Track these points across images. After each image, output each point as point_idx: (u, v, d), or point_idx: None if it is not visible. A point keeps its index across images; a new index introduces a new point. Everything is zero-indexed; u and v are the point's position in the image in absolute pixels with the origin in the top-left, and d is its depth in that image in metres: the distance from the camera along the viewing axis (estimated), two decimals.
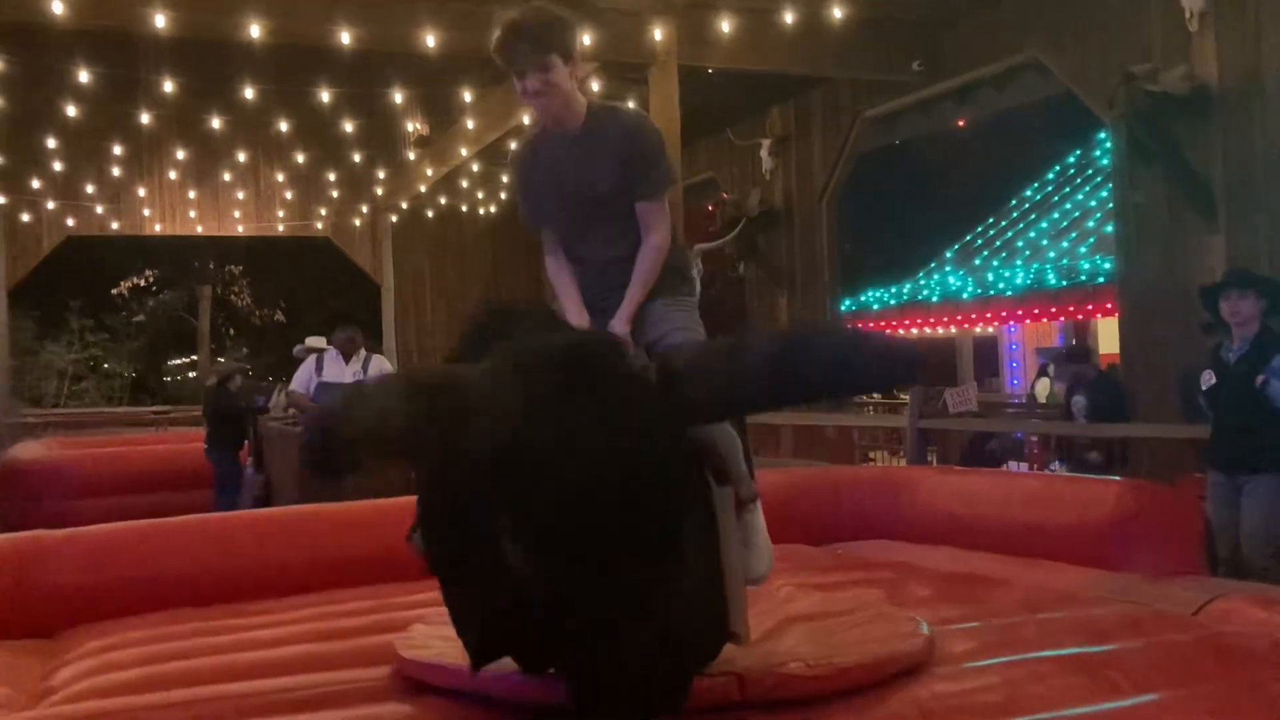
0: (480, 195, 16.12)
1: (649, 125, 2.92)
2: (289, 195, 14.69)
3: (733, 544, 2.56)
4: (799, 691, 2.56)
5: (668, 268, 2.84)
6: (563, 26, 2.79)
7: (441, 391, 1.96)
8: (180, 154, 13.27)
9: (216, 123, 11.71)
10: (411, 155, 13.39)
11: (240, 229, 15.05)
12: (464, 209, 16.45)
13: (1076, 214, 17.30)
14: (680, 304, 2.83)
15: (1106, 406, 7.43)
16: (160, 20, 7.29)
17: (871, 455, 11.03)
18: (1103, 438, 7.29)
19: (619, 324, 2.77)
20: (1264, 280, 5.27)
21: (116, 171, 13.50)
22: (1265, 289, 5.10)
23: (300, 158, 13.59)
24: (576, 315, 2.84)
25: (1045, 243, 17.23)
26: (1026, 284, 16.26)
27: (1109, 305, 13.11)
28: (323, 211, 15.01)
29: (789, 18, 8.38)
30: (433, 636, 3.09)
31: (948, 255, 19.71)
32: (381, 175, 14.39)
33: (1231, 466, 5.04)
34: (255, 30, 7.53)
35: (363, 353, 7.20)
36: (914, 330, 19.37)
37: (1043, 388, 16.09)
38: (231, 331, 27.84)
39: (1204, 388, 5.23)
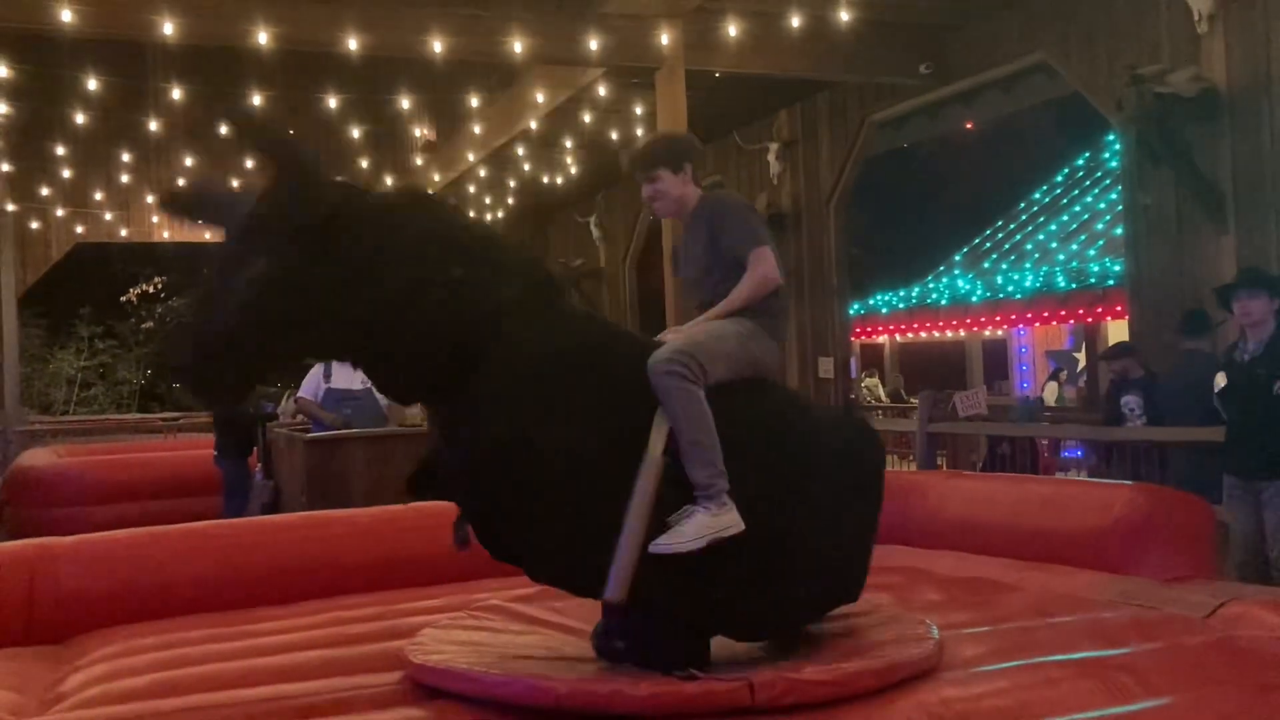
0: (488, 201, 16.13)
1: (728, 195, 3.58)
2: None
3: (639, 502, 2.76)
4: (809, 696, 2.55)
5: (760, 305, 3.19)
6: (670, 146, 3.49)
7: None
8: (188, 161, 13.30)
9: (224, 130, 11.73)
10: (419, 161, 13.41)
11: None
12: (471, 215, 16.46)
13: (1085, 216, 17.27)
14: (735, 320, 3.14)
15: (1161, 408, 6.59)
16: (168, 28, 7.30)
17: None
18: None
19: (690, 325, 3.20)
20: (1276, 280, 5.19)
21: (125, 178, 13.53)
22: (1278, 289, 5.04)
23: None
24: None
25: (1054, 245, 17.19)
26: (1036, 287, 16.23)
27: (1119, 308, 13.08)
28: None
29: (795, 21, 8.37)
30: (443, 641, 3.09)
31: (956, 258, 19.69)
32: (389, 181, 14.40)
33: (1248, 472, 4.97)
34: (263, 37, 7.54)
35: None
36: (923, 333, 19.36)
37: (1051, 391, 16.07)
38: None
39: (1215, 390, 5.16)
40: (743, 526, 2.79)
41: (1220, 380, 5.10)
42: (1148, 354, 7.69)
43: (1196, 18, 7.25)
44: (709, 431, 2.84)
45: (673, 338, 3.09)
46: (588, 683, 2.65)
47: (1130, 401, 6.75)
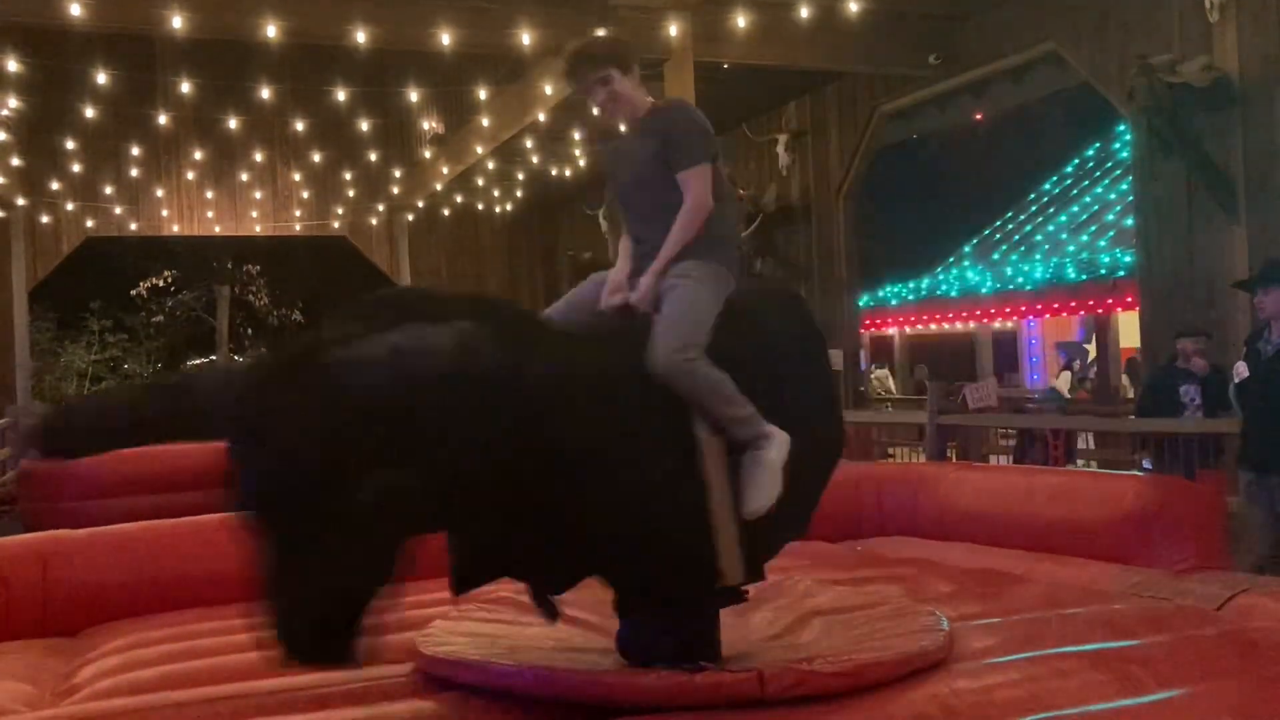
0: (496, 193, 16.13)
1: (681, 104, 3.34)
2: (306, 195, 14.73)
3: (719, 489, 2.73)
4: (820, 688, 2.55)
5: (705, 233, 3.02)
6: (613, 44, 3.30)
7: (178, 392, 2.38)
8: (198, 154, 13.32)
9: (233, 123, 11.76)
10: (427, 154, 13.41)
11: (258, 229, 15.10)
12: (480, 207, 16.48)
13: (1096, 207, 17.20)
14: (694, 271, 2.97)
15: (1218, 399, 6.04)
16: (177, 21, 7.31)
17: (891, 452, 10.99)
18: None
19: (645, 278, 2.99)
20: None
21: (135, 172, 13.56)
22: None
23: (316, 157, 13.63)
24: (612, 278, 3.10)
25: (1064, 236, 17.14)
26: (1046, 278, 16.18)
27: (1129, 299, 13.03)
28: (339, 211, 15.05)
29: (804, 12, 8.34)
30: (453, 633, 3.10)
31: (966, 250, 19.63)
32: (397, 174, 14.42)
33: (1265, 465, 4.91)
34: (271, 31, 7.55)
35: None
36: (932, 325, 19.31)
37: (1065, 381, 16.02)
38: (250, 331, 27.94)
39: (1235, 380, 5.10)
40: (788, 437, 2.81)
41: (1242, 370, 5.04)
42: (1158, 344, 7.66)
43: (1208, 7, 7.21)
44: (732, 391, 2.79)
45: (648, 283, 2.95)
46: (598, 674, 2.65)
47: (1191, 390, 6.29)
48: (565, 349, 2.73)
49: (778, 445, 2.80)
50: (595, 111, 3.31)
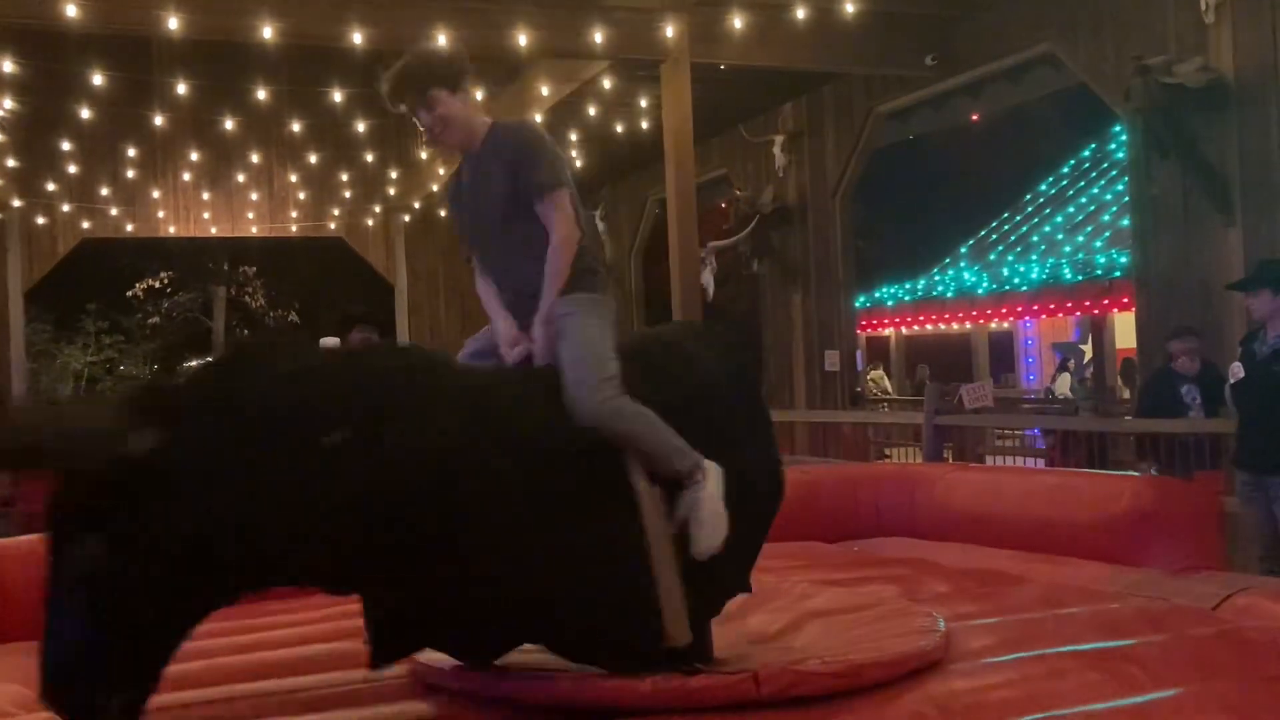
0: None
1: (528, 126, 3.06)
2: (302, 196, 14.72)
3: (661, 542, 2.61)
4: (816, 688, 2.55)
5: (575, 265, 2.83)
6: (438, 62, 2.92)
7: (21, 432, 2.40)
8: (194, 156, 13.31)
9: (230, 124, 11.74)
10: (424, 155, 13.40)
11: (254, 230, 15.09)
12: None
13: (1092, 208, 17.22)
14: (575, 307, 2.79)
15: (1216, 398, 6.02)
16: (173, 22, 7.30)
17: (888, 452, 11.00)
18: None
19: (537, 327, 2.81)
20: (1276, 274, 5.08)
21: (131, 174, 13.54)
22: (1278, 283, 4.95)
23: (313, 158, 13.62)
24: (504, 332, 2.89)
25: (1061, 237, 17.16)
26: (1042, 279, 16.20)
27: (1125, 299, 13.04)
28: (335, 212, 15.03)
29: (801, 13, 8.35)
30: None
31: (962, 251, 19.65)
32: (394, 175, 14.41)
33: (1261, 467, 4.91)
34: (267, 31, 7.54)
35: None
36: (928, 326, 19.33)
37: (1063, 382, 16.04)
38: (246, 332, 27.91)
39: (1231, 381, 5.10)
40: (720, 469, 2.69)
41: (1238, 372, 5.04)
42: (1154, 345, 7.66)
43: (1203, 8, 7.21)
44: (659, 420, 2.66)
45: (540, 330, 2.78)
46: (592, 678, 2.65)
47: (1192, 390, 6.24)
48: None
49: (714, 476, 2.67)
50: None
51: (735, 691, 2.50)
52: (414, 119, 2.91)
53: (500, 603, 2.53)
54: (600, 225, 15.41)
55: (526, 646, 2.92)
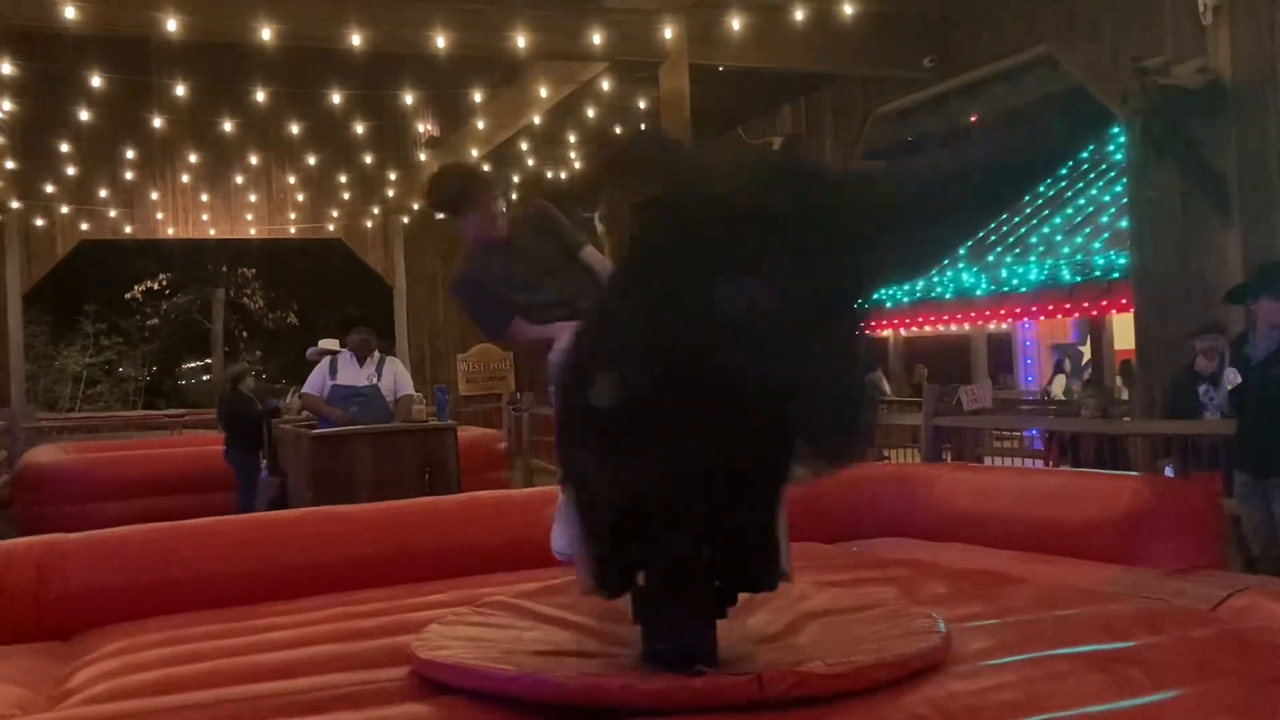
0: None
1: (530, 207, 3.79)
2: (300, 198, 14.73)
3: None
4: (818, 690, 2.55)
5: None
6: (456, 189, 3.68)
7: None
8: (192, 157, 13.32)
9: (228, 126, 11.75)
10: (422, 156, 13.41)
11: (253, 231, 15.09)
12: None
13: (1090, 209, 17.20)
14: None
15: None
16: (172, 24, 7.31)
17: (886, 453, 11.00)
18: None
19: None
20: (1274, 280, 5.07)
21: (129, 175, 13.55)
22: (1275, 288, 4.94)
23: (311, 160, 13.62)
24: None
25: (1059, 238, 17.13)
26: (1040, 280, 16.18)
27: (1124, 301, 13.04)
28: (334, 214, 15.04)
29: (799, 15, 8.36)
30: (449, 637, 3.09)
31: (961, 252, 19.65)
32: (392, 177, 14.42)
33: (1260, 468, 4.93)
34: (266, 33, 7.55)
35: (376, 355, 7.20)
36: (927, 327, 19.33)
37: (1059, 384, 16.05)
38: (245, 334, 27.92)
39: (1229, 386, 5.11)
40: None
41: (1233, 377, 5.05)
42: (1152, 346, 7.67)
43: (1201, 10, 7.23)
44: None
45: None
46: (597, 678, 2.65)
47: (1210, 390, 6.09)
48: None
49: None
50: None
51: (739, 693, 2.50)
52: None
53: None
54: (600, 227, 15.38)
55: (537, 647, 2.95)
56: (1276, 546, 4.84)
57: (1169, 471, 6.24)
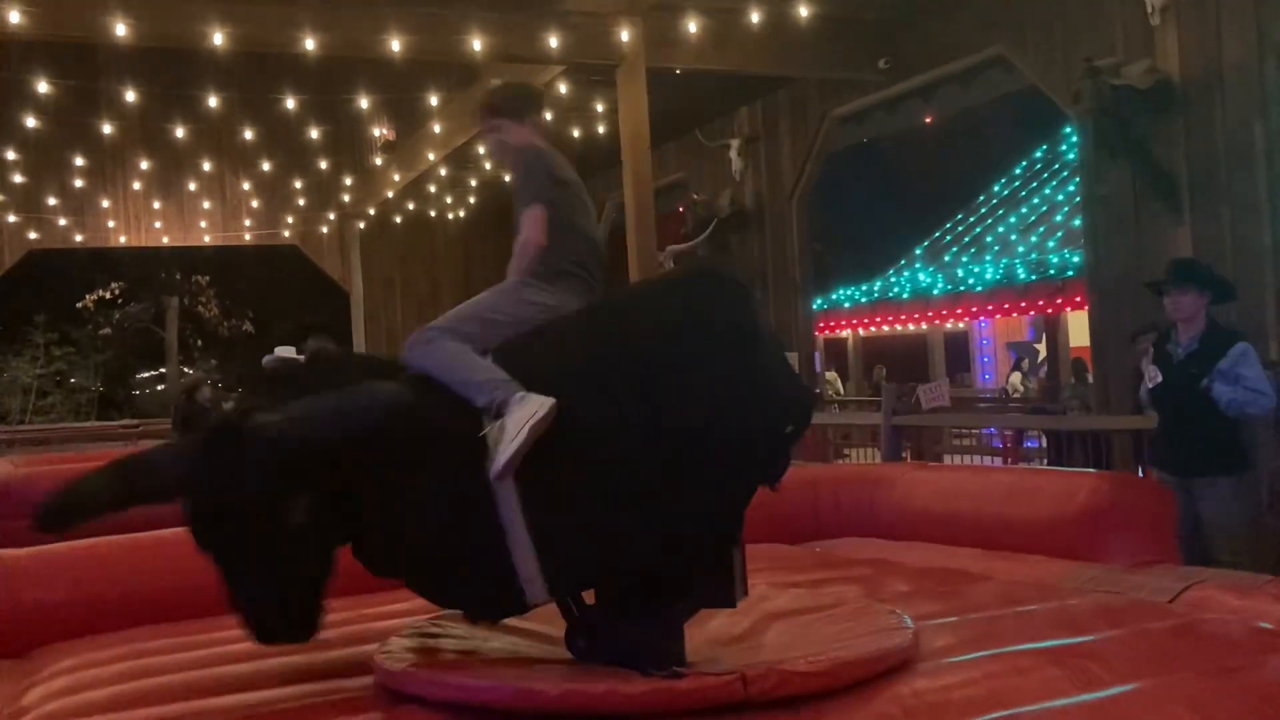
0: (449, 200, 16.04)
1: (527, 151, 3.44)
2: (255, 204, 14.56)
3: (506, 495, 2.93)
4: (802, 688, 2.54)
5: (543, 265, 3.26)
6: (512, 98, 3.56)
7: (144, 471, 2.99)
8: (144, 164, 13.12)
9: (180, 132, 11.60)
10: (378, 161, 13.31)
11: (207, 239, 14.91)
12: (433, 214, 16.37)
13: (1044, 208, 17.45)
14: (493, 290, 3.31)
15: None
16: (121, 29, 7.19)
17: (846, 453, 11.07)
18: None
19: None
20: (1204, 273, 5.02)
21: (79, 183, 13.33)
22: (1206, 282, 4.88)
23: (266, 166, 13.48)
24: None
25: (1014, 237, 17.37)
26: (996, 279, 16.38)
27: (1078, 298, 13.23)
28: (290, 220, 14.89)
29: (755, 18, 8.39)
30: (411, 647, 3.06)
31: (917, 252, 19.83)
32: (348, 182, 14.31)
33: (1181, 468, 4.86)
34: (218, 38, 7.45)
35: None
36: (885, 327, 19.48)
37: (1015, 381, 16.23)
38: (199, 343, 27.58)
39: (1149, 385, 5.06)
40: (552, 400, 2.80)
41: (1155, 375, 5.00)
42: (1106, 343, 7.76)
43: (1149, 10, 7.33)
44: (465, 364, 2.97)
45: None
46: (579, 683, 2.62)
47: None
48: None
49: (525, 407, 2.81)
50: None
51: (723, 693, 2.49)
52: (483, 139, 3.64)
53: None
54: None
55: (502, 655, 2.98)
56: (1200, 546, 4.78)
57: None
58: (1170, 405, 4.95)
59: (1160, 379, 4.93)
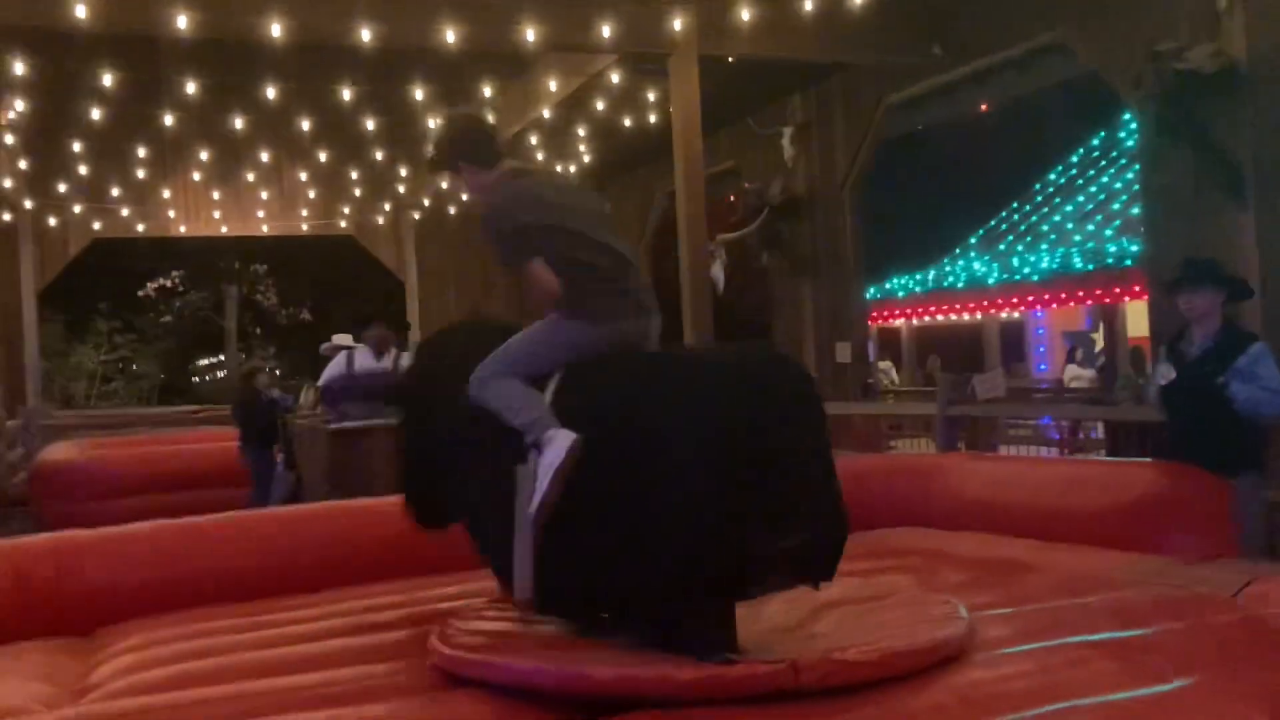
0: None
1: (488, 218, 3.42)
2: (312, 194, 14.74)
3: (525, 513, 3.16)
4: (852, 677, 2.54)
5: (565, 299, 3.33)
6: (461, 143, 3.52)
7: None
8: (204, 155, 13.33)
9: (239, 123, 11.76)
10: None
11: (265, 228, 15.12)
12: None
13: (1102, 197, 17.15)
14: (544, 319, 3.36)
15: None
16: (182, 21, 7.31)
17: (893, 444, 10.97)
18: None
19: None
20: (1218, 272, 4.92)
21: (141, 174, 13.58)
22: (1221, 281, 4.80)
23: (323, 156, 13.63)
24: None
25: (1071, 226, 17.09)
26: (1053, 268, 16.14)
27: (1137, 288, 13.00)
28: (346, 210, 15.05)
29: (808, 4, 8.32)
30: (467, 630, 3.10)
31: (972, 241, 19.60)
32: (403, 172, 14.42)
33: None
34: (276, 30, 7.55)
35: (394, 350, 7.28)
36: (939, 316, 19.28)
37: (1070, 372, 15.98)
38: (258, 331, 28.00)
39: (1161, 383, 4.95)
40: (575, 437, 2.96)
41: (1168, 373, 4.90)
42: (1166, 333, 7.60)
43: None
44: (509, 405, 3.14)
45: None
46: (632, 668, 2.63)
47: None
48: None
49: (555, 447, 2.97)
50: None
51: (774, 681, 2.50)
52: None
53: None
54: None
55: (555, 638, 3.05)
56: None
57: None
58: (1182, 404, 4.84)
59: (1173, 377, 4.84)
